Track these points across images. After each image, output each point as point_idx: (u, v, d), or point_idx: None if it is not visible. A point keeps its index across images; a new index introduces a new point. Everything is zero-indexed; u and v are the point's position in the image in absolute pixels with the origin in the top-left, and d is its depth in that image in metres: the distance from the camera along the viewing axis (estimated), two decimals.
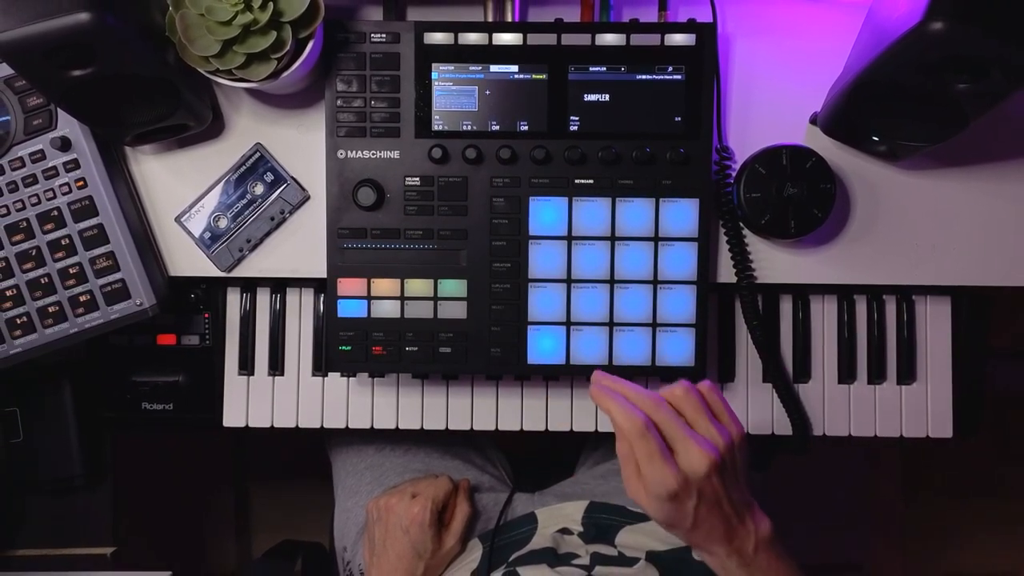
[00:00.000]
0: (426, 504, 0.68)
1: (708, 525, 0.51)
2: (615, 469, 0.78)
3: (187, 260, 0.66)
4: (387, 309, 0.64)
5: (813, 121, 0.65)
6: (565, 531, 0.71)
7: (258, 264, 0.66)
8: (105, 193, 0.61)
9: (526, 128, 0.62)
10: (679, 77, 0.62)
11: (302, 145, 0.65)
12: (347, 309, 0.64)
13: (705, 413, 0.52)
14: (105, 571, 0.71)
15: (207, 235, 0.66)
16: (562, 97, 0.62)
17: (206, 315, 0.69)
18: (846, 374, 0.70)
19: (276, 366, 0.70)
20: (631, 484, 0.52)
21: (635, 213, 0.63)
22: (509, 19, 0.64)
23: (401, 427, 0.70)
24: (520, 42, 0.61)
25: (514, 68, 0.62)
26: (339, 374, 0.69)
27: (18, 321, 0.62)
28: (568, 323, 0.64)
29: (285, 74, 0.57)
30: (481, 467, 0.80)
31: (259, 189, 0.65)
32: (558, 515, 0.73)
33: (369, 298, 0.63)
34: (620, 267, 0.63)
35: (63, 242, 0.61)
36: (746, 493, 0.53)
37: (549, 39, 0.62)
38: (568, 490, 0.78)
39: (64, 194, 0.61)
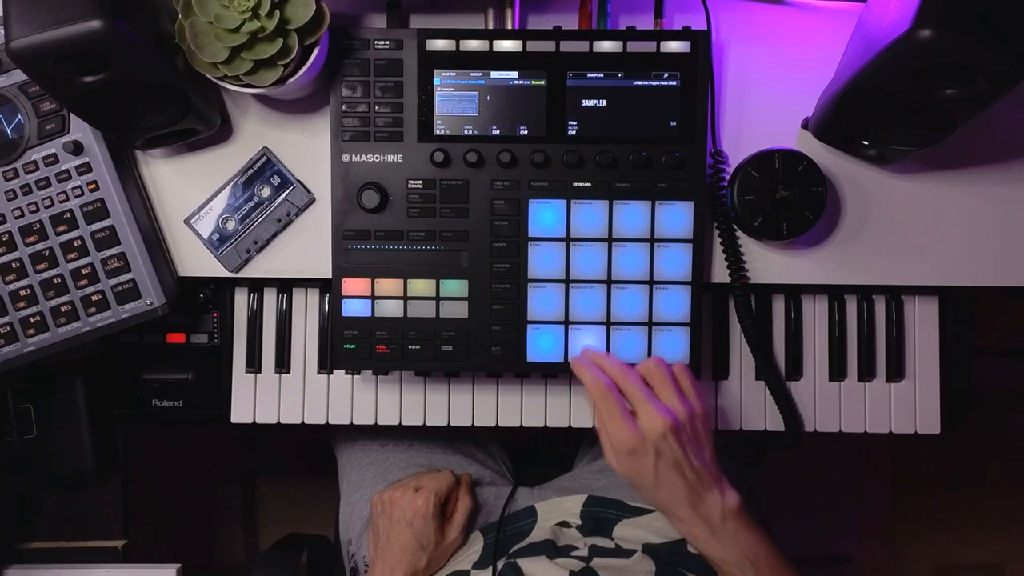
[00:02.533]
0: (429, 497, 0.70)
1: (669, 486, 0.56)
2: None
3: (196, 261, 0.67)
4: (390, 308, 0.65)
5: (805, 126, 0.66)
6: (564, 524, 0.72)
7: (265, 265, 0.67)
8: (116, 196, 0.62)
9: (526, 132, 0.64)
10: (674, 83, 0.63)
11: (308, 149, 0.67)
12: (351, 308, 0.65)
13: (671, 385, 0.58)
14: (116, 564, 0.72)
15: (215, 236, 0.67)
16: (560, 102, 0.63)
17: (214, 314, 0.71)
18: (837, 372, 0.71)
19: (283, 364, 0.71)
20: (603, 445, 0.57)
21: (631, 215, 0.64)
22: (509, 26, 0.65)
23: (404, 423, 0.71)
24: (520, 49, 0.63)
25: (514, 74, 0.63)
26: (344, 372, 0.71)
27: (32, 320, 0.63)
28: (567, 322, 0.65)
29: (291, 80, 0.58)
30: (482, 462, 0.81)
31: (266, 192, 0.67)
32: (557, 508, 0.74)
33: (373, 298, 0.65)
34: (617, 268, 0.65)
35: (75, 243, 0.62)
36: (713, 466, 0.57)
37: (548, 46, 0.63)
38: (567, 484, 0.79)
39: (76, 197, 0.62)
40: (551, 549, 0.68)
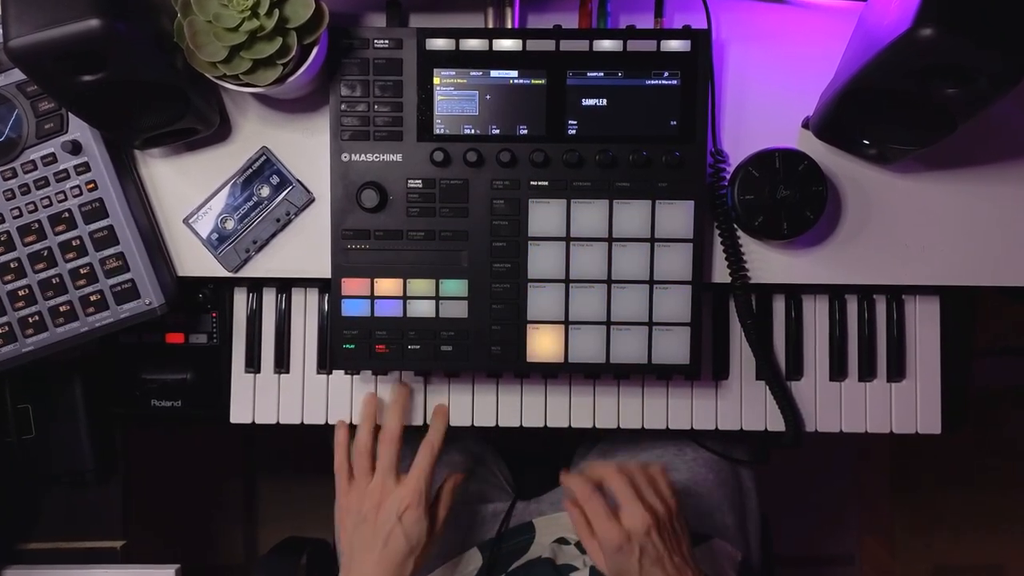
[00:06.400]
0: (419, 486, 0.63)
1: None
2: None
3: (195, 261, 0.67)
4: (390, 308, 0.65)
5: (805, 125, 0.66)
6: (562, 541, 0.71)
7: (264, 264, 0.67)
8: (115, 195, 0.62)
9: (525, 132, 0.64)
10: (674, 82, 0.63)
11: (307, 148, 0.67)
12: (351, 308, 0.65)
13: (649, 487, 0.61)
14: (115, 564, 0.72)
15: (214, 236, 0.67)
16: (560, 101, 0.63)
17: (214, 314, 0.71)
18: (837, 372, 0.71)
19: (282, 364, 0.71)
20: (586, 542, 0.61)
21: (631, 215, 0.64)
22: (509, 25, 0.65)
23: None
24: (520, 48, 0.63)
25: (514, 73, 0.63)
26: (343, 372, 0.71)
27: (30, 320, 0.63)
28: (567, 322, 0.65)
29: (290, 79, 0.58)
30: (483, 477, 0.80)
31: (265, 191, 0.67)
32: (555, 524, 0.74)
33: (372, 298, 0.65)
34: (617, 267, 0.65)
35: (74, 243, 0.62)
36: (691, 559, 0.60)
37: (548, 45, 0.63)
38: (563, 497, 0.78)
39: (75, 196, 0.62)
40: (550, 567, 0.67)
